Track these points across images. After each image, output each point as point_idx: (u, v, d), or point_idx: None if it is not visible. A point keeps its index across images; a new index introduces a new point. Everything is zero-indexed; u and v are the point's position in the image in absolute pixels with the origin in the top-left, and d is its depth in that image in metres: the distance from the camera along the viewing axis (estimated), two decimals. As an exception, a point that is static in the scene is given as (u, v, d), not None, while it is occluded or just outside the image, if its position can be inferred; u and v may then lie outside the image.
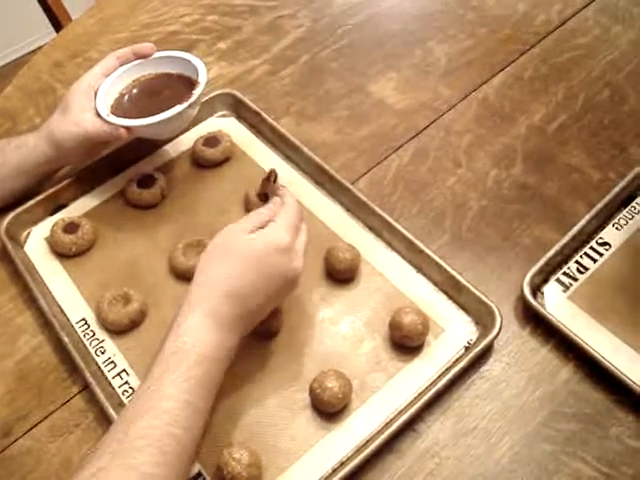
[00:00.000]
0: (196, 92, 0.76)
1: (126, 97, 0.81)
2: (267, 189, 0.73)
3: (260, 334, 0.68)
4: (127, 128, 0.75)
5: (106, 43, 1.07)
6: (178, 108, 0.74)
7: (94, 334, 0.70)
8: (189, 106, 0.75)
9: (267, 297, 0.61)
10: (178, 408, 0.54)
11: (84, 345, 0.70)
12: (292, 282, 0.63)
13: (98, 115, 0.76)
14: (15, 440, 0.65)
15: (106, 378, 0.67)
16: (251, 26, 1.06)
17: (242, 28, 1.05)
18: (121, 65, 0.81)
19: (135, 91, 0.81)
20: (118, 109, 0.79)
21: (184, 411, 0.54)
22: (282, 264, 0.61)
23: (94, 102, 0.77)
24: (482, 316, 0.67)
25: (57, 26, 1.32)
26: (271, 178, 0.71)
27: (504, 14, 1.02)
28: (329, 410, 0.62)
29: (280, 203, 0.66)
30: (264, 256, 0.60)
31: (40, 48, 1.11)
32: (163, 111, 0.74)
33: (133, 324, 0.70)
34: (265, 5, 1.09)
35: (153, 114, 0.74)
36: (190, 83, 0.78)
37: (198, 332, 0.57)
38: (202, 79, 0.78)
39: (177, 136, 0.88)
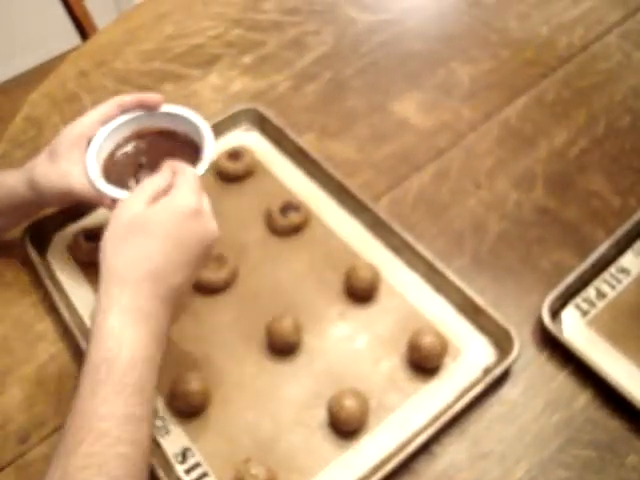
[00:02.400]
0: (199, 170, 0.64)
1: (121, 154, 0.72)
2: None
3: (278, 349, 0.68)
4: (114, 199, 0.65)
5: (131, 53, 1.08)
6: None
7: (113, 343, 0.71)
8: None
9: (189, 268, 0.56)
10: (118, 425, 0.49)
11: (103, 354, 0.70)
12: (211, 246, 0.58)
13: (87, 174, 0.67)
14: (32, 447, 0.65)
15: (124, 388, 0.67)
16: (275, 41, 1.06)
17: (266, 43, 1.06)
18: (121, 113, 0.72)
19: (132, 148, 0.72)
20: (111, 167, 0.70)
21: (126, 426, 0.49)
22: (197, 230, 0.56)
23: (85, 155, 0.68)
24: (500, 339, 0.67)
25: (83, 34, 1.34)
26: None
27: (527, 37, 1.02)
28: (346, 429, 0.62)
29: (172, 169, 0.61)
30: (175, 226, 0.55)
31: (63, 55, 1.12)
32: None
33: (152, 335, 0.70)
34: (289, 21, 1.10)
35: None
36: (194, 150, 0.68)
37: (123, 333, 0.51)
38: (207, 154, 0.66)
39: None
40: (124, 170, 0.70)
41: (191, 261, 0.56)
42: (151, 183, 0.59)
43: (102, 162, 0.70)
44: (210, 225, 0.58)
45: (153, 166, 0.66)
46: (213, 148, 0.68)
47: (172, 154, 0.68)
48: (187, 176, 0.59)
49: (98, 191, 0.66)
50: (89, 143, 0.69)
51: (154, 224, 0.55)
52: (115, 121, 0.71)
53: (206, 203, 0.59)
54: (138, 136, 0.73)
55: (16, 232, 0.81)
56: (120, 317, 0.52)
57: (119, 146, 0.72)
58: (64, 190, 0.68)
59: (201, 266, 0.59)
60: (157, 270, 0.54)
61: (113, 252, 0.54)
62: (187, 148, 0.70)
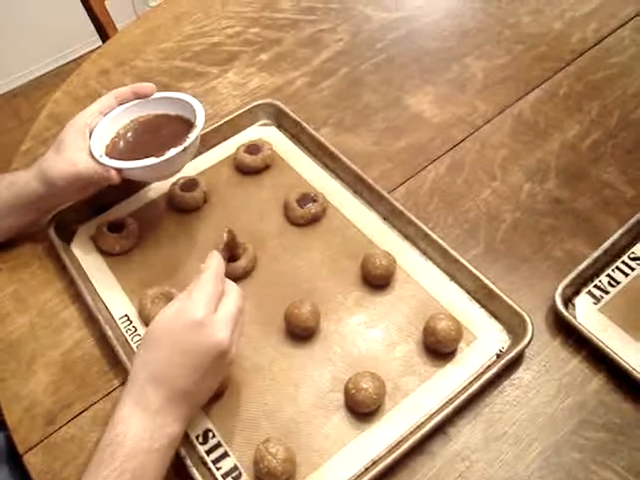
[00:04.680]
0: (191, 136, 0.73)
1: (122, 138, 0.79)
2: (232, 249, 0.73)
3: (296, 335, 0.70)
4: (118, 170, 0.73)
5: (151, 52, 1.10)
6: (171, 152, 0.72)
7: (136, 330, 0.73)
8: (183, 150, 0.72)
9: (199, 374, 0.59)
10: None
11: (126, 340, 0.72)
12: (221, 356, 0.59)
13: (92, 155, 0.73)
14: (59, 428, 0.67)
15: (147, 372, 0.69)
16: (292, 39, 1.09)
17: (283, 41, 1.08)
18: (119, 104, 0.79)
19: (132, 132, 0.79)
20: (113, 150, 0.77)
21: None
22: (199, 340, 0.58)
23: (89, 141, 0.75)
24: (514, 325, 0.68)
25: (103, 35, 1.36)
26: (232, 240, 0.71)
27: (540, 32, 1.04)
28: (363, 410, 0.64)
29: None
30: (177, 334, 0.58)
31: (80, 59, 1.15)
32: (159, 154, 0.72)
33: (174, 322, 0.72)
34: (306, 19, 1.12)
35: (148, 157, 0.72)
36: (188, 125, 0.76)
37: (130, 423, 0.56)
38: (199, 122, 0.75)
39: (218, 144, 0.91)
40: (126, 154, 0.76)
41: (198, 368, 0.58)
42: (179, 296, 0.62)
43: (104, 148, 0.76)
44: (217, 336, 0.58)
45: (155, 148, 0.73)
46: (203, 117, 0.75)
47: (167, 132, 0.77)
48: (203, 284, 0.60)
49: (103, 165, 0.72)
50: (92, 133, 0.76)
51: (160, 331, 0.59)
52: (114, 111, 0.79)
53: (226, 310, 0.60)
54: (136, 122, 0.80)
55: (41, 224, 0.83)
56: (131, 408, 0.57)
57: (119, 134, 0.79)
58: (73, 175, 0.73)
59: (217, 372, 0.61)
60: (161, 373, 0.58)
61: (141, 348, 0.60)
62: (181, 125, 0.77)
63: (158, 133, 0.78)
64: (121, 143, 0.78)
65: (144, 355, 0.60)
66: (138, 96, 0.79)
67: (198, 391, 0.60)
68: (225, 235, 0.71)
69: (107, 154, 0.74)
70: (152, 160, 0.72)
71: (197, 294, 0.59)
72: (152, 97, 0.80)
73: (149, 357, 0.59)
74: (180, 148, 0.72)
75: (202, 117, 0.75)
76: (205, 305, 0.59)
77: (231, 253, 0.74)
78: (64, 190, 0.75)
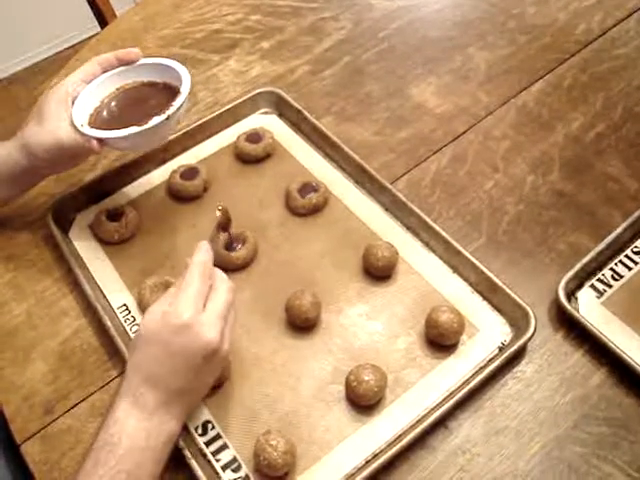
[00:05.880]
0: (176, 103, 0.70)
1: (106, 107, 0.75)
2: (227, 228, 0.73)
3: (297, 326, 0.69)
4: (100, 140, 0.70)
5: (151, 39, 1.09)
6: (154, 121, 0.69)
7: (135, 320, 0.72)
8: (167, 118, 0.69)
9: (192, 374, 0.59)
10: None
11: (125, 330, 0.72)
12: (212, 354, 0.58)
13: (73, 125, 0.70)
14: (57, 418, 0.67)
15: (146, 362, 0.69)
16: (293, 27, 1.08)
17: (285, 28, 1.07)
18: (104, 71, 0.75)
19: (116, 100, 0.76)
20: (97, 119, 0.74)
21: None
22: (187, 342, 0.57)
23: (71, 110, 0.71)
24: (517, 318, 0.68)
25: (102, 21, 1.35)
26: (226, 219, 0.72)
27: (544, 23, 1.03)
28: (364, 403, 0.63)
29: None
30: (165, 336, 0.58)
31: (77, 45, 1.13)
32: (142, 122, 0.69)
33: (173, 311, 0.72)
34: (307, 7, 1.11)
35: (132, 126, 0.69)
36: (175, 93, 0.72)
37: (126, 423, 0.56)
38: (184, 89, 0.72)
39: (218, 132, 0.90)
40: (109, 124, 0.73)
41: (190, 369, 0.58)
42: (167, 293, 0.61)
43: (88, 118, 0.73)
44: (203, 337, 0.57)
45: (140, 117, 0.70)
46: (189, 84, 0.72)
47: (153, 100, 0.74)
48: (188, 283, 0.59)
49: (84, 135, 0.69)
50: (74, 102, 0.72)
51: (150, 333, 0.59)
52: (98, 79, 0.75)
53: (215, 307, 0.59)
54: (122, 90, 0.77)
55: (39, 212, 0.83)
56: (126, 409, 0.57)
57: (103, 102, 0.76)
58: (55, 145, 0.70)
59: (211, 370, 0.61)
60: (154, 374, 0.58)
61: (133, 350, 0.60)
62: (167, 92, 0.74)
63: (143, 101, 0.75)
64: (105, 112, 0.75)
65: (136, 357, 0.59)
66: (122, 62, 0.76)
67: (194, 389, 0.60)
68: (218, 213, 0.70)
69: (90, 124, 0.72)
70: (134, 129, 0.69)
71: (183, 294, 0.59)
72: (138, 63, 0.76)
73: (141, 359, 0.59)
74: (163, 117, 0.69)
75: (188, 84, 0.72)
76: (191, 305, 0.58)
77: (227, 233, 0.73)
78: (47, 162, 0.72)
